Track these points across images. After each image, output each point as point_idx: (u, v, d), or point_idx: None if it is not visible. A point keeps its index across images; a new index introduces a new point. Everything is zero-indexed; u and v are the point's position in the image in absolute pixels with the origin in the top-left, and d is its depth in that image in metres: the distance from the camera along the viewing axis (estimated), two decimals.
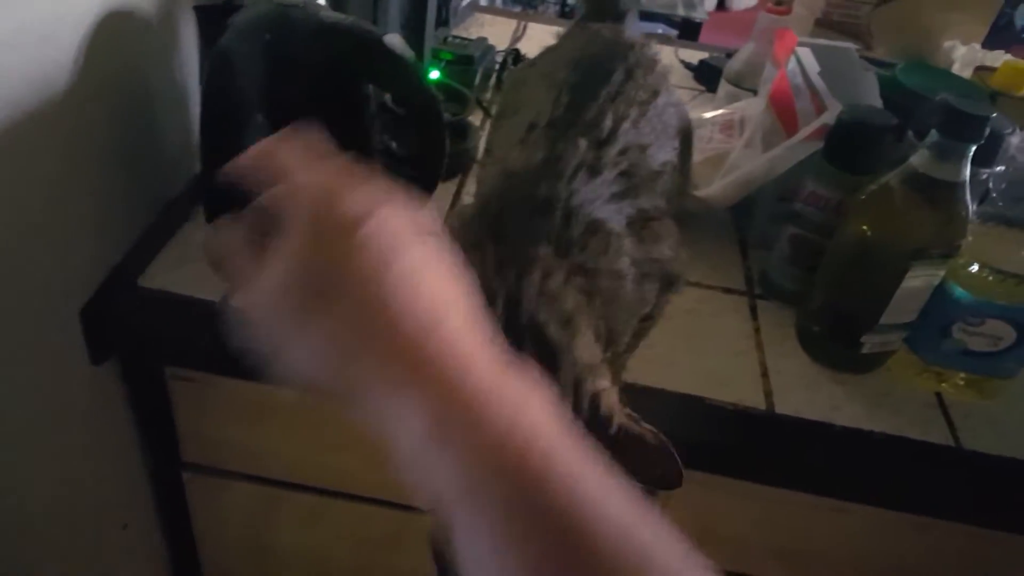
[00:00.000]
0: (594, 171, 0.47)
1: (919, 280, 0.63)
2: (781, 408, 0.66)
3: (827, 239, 0.69)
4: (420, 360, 0.31)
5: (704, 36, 2.30)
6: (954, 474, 0.64)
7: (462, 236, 0.45)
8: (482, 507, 0.29)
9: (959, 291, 0.64)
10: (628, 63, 0.56)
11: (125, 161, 0.70)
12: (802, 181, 0.71)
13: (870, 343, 0.67)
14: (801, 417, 0.65)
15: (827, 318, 0.70)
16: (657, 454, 0.40)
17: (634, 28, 0.67)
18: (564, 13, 2.53)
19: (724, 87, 1.00)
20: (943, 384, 0.69)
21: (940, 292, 0.65)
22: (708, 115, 0.92)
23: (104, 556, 0.80)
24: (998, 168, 0.65)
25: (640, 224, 0.48)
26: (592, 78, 0.54)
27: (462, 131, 0.89)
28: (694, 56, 1.24)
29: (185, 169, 0.80)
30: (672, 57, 1.25)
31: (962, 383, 0.69)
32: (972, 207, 0.61)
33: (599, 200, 0.46)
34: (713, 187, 0.78)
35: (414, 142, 0.69)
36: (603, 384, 0.41)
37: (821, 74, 0.78)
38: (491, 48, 1.09)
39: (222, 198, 0.35)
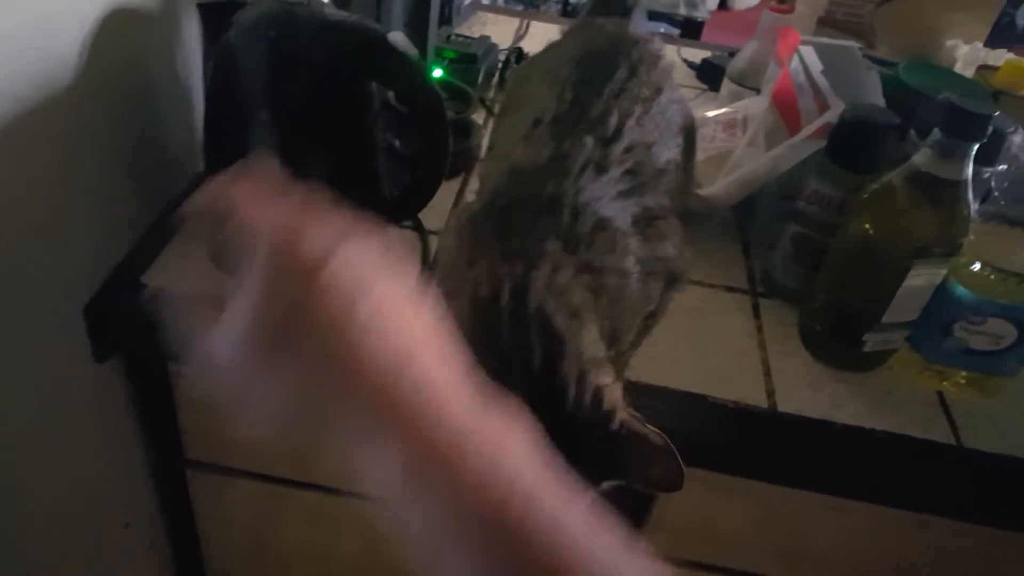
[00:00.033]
0: (600, 169, 0.47)
1: (921, 279, 0.63)
2: (783, 406, 0.66)
3: (830, 238, 0.69)
4: (393, 403, 0.29)
5: (706, 35, 2.29)
6: (955, 472, 0.65)
7: (468, 232, 0.45)
8: (462, 551, 0.28)
9: (961, 290, 0.64)
10: (631, 59, 0.56)
11: (128, 159, 0.70)
12: (805, 180, 0.71)
13: (872, 342, 0.68)
14: (803, 415, 0.65)
15: (829, 317, 0.70)
16: (659, 455, 0.40)
17: (641, 24, 0.67)
18: (566, 11, 2.53)
19: (727, 86, 1.00)
20: (944, 383, 0.69)
21: (942, 291, 0.65)
22: (711, 114, 0.92)
23: (105, 555, 0.81)
24: (1000, 167, 0.65)
25: (645, 222, 0.49)
26: (596, 74, 0.54)
27: (465, 129, 0.89)
28: (697, 55, 1.24)
29: (188, 167, 0.80)
30: (675, 56, 1.25)
31: (963, 382, 0.69)
32: (974, 206, 0.61)
33: (606, 198, 0.47)
34: (716, 186, 0.78)
35: (418, 140, 0.69)
36: (606, 379, 0.41)
37: (824, 73, 0.78)
38: (494, 46, 1.10)
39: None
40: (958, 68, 1.06)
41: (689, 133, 0.61)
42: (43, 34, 0.57)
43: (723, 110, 0.93)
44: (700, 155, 0.69)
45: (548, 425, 0.40)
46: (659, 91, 0.56)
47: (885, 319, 0.65)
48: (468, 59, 1.02)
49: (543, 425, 0.39)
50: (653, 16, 2.32)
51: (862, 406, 0.67)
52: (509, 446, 0.30)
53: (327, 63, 0.63)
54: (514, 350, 0.40)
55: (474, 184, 0.86)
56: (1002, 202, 0.63)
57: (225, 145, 0.69)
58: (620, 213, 0.47)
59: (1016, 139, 0.65)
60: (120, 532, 0.82)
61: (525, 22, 1.32)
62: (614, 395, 0.41)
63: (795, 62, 0.79)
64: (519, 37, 1.26)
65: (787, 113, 0.77)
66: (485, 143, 0.81)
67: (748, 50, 0.98)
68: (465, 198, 0.85)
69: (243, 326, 0.30)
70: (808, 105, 0.76)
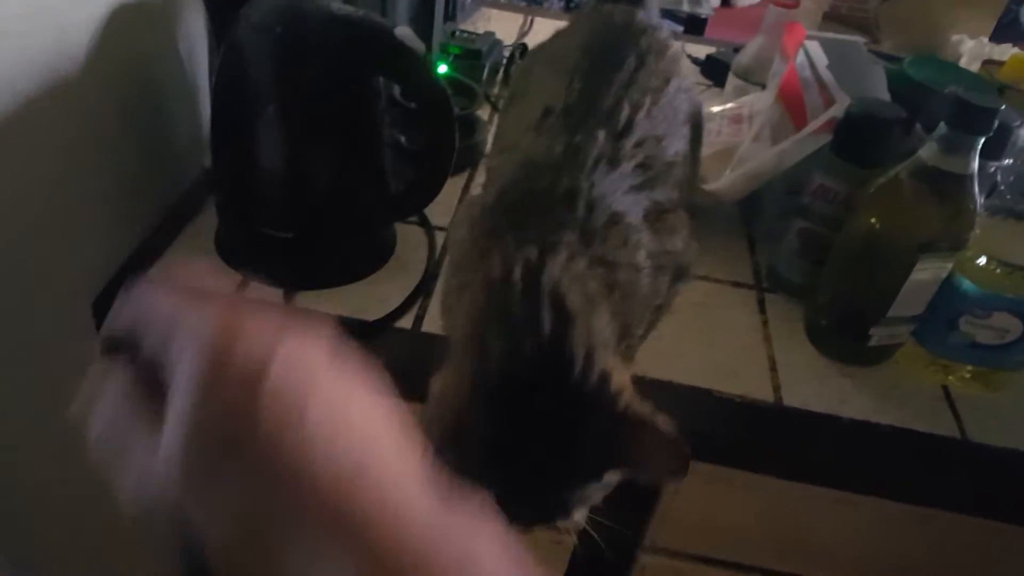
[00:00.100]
0: (613, 163, 0.47)
1: (927, 273, 0.63)
2: (789, 401, 0.66)
3: (835, 232, 0.69)
4: (349, 514, 0.26)
5: (709, 32, 2.29)
6: (960, 467, 0.65)
7: (480, 224, 0.45)
8: None
9: (967, 284, 0.64)
10: (640, 48, 0.56)
11: (135, 153, 0.71)
12: (811, 174, 0.71)
13: (878, 336, 0.68)
14: (809, 410, 0.65)
15: (835, 311, 0.70)
16: (665, 441, 0.40)
17: (653, 12, 0.67)
18: (569, 7, 2.53)
19: (732, 81, 1.00)
20: (950, 377, 0.69)
21: (948, 285, 0.65)
22: (716, 109, 0.92)
23: (106, 555, 0.81)
24: (1006, 161, 0.65)
25: (655, 216, 0.49)
26: (605, 64, 0.54)
27: (470, 126, 0.90)
28: (701, 51, 1.24)
29: (196, 161, 0.81)
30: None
31: (969, 376, 0.69)
32: (980, 200, 0.61)
33: (618, 192, 0.47)
34: (722, 181, 0.78)
35: (423, 136, 0.69)
36: (614, 363, 0.41)
37: (830, 67, 0.78)
38: (498, 42, 1.10)
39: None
40: (963, 63, 1.06)
41: (696, 122, 0.61)
42: (50, 28, 0.57)
43: (729, 105, 0.93)
44: (706, 150, 0.69)
45: (553, 402, 0.40)
46: (667, 81, 0.56)
47: (891, 313, 0.66)
48: (473, 55, 1.02)
49: (548, 402, 0.39)
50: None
51: (868, 400, 0.67)
52: (479, 552, 0.28)
53: (334, 57, 0.64)
54: (524, 322, 0.40)
55: (479, 179, 0.86)
56: (1008, 196, 0.63)
57: (232, 139, 0.69)
58: (632, 207, 0.47)
59: (1022, 133, 0.65)
60: (122, 532, 0.82)
61: (529, 18, 1.32)
62: (622, 379, 0.41)
63: (801, 57, 0.79)
64: (523, 33, 1.27)
65: (793, 108, 0.77)
66: (490, 139, 0.81)
67: (753, 46, 0.98)
68: (470, 194, 0.85)
69: (180, 443, 0.27)
70: (814, 100, 0.76)
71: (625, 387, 0.41)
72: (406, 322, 0.68)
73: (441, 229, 0.78)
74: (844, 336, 0.70)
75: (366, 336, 0.66)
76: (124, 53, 0.66)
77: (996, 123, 0.58)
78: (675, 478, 0.40)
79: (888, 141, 0.68)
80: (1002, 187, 0.64)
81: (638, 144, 0.50)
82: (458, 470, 0.30)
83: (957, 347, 0.67)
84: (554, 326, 0.39)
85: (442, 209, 0.76)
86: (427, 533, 0.27)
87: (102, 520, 0.78)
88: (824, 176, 0.70)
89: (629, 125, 0.50)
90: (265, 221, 0.69)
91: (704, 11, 2.36)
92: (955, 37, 1.10)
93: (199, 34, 0.78)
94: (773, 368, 0.69)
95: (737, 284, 0.78)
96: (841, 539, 0.74)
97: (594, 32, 0.59)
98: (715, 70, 1.17)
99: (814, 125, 0.73)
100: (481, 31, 1.09)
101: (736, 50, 1.06)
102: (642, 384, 0.44)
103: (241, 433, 0.26)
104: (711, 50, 1.24)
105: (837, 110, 0.71)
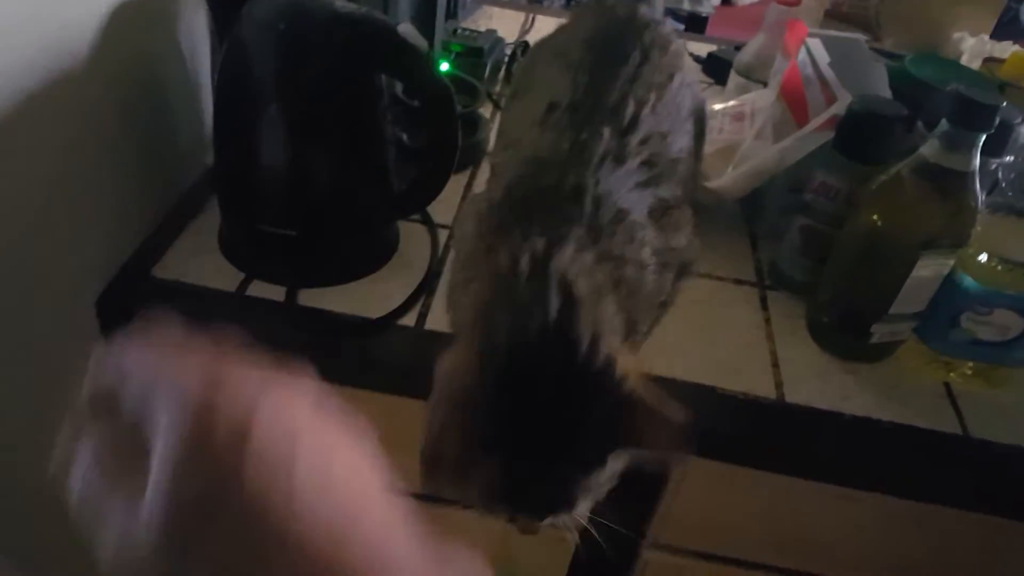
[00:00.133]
0: (619, 160, 0.48)
1: (928, 270, 0.63)
2: (791, 397, 0.66)
3: (837, 230, 0.69)
4: (340, 574, 0.26)
5: (710, 30, 2.29)
6: (962, 463, 0.65)
7: (487, 220, 0.45)
8: None
9: (968, 281, 0.64)
10: (644, 43, 0.56)
11: (138, 152, 0.71)
12: (812, 172, 0.71)
13: (879, 333, 0.68)
14: (811, 406, 0.66)
15: (837, 308, 0.70)
16: (669, 424, 0.40)
17: (656, 7, 0.67)
18: (570, 5, 2.53)
19: (734, 79, 1.00)
20: (952, 373, 0.70)
21: (949, 282, 0.65)
22: (718, 107, 0.92)
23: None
24: (1007, 158, 0.65)
25: (660, 213, 0.49)
26: (609, 58, 0.54)
27: (472, 123, 0.90)
28: (703, 49, 1.24)
29: (198, 160, 0.81)
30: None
31: (970, 372, 0.69)
32: (981, 197, 0.62)
33: (624, 189, 0.47)
34: (724, 179, 0.78)
35: (426, 134, 0.69)
36: (620, 349, 0.41)
37: (831, 65, 0.78)
38: (500, 40, 1.10)
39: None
40: (964, 60, 1.06)
41: (699, 116, 0.61)
42: (51, 27, 0.57)
43: (731, 103, 0.93)
44: (708, 148, 0.69)
45: (559, 384, 0.40)
46: (671, 76, 0.56)
47: (892, 310, 0.66)
48: (475, 53, 1.02)
49: (554, 384, 0.39)
50: None
51: (870, 397, 0.67)
52: None
53: (336, 55, 0.64)
54: (531, 305, 0.40)
55: (482, 177, 0.86)
56: (1009, 193, 0.63)
57: (234, 137, 0.69)
58: (637, 204, 0.48)
59: (1023, 130, 0.65)
60: None
61: (531, 16, 1.32)
62: (628, 363, 0.41)
63: (802, 54, 0.79)
64: (525, 31, 1.27)
65: (795, 105, 0.78)
66: (492, 137, 0.81)
67: (755, 43, 0.98)
68: (473, 191, 0.85)
69: (162, 504, 0.26)
70: (816, 97, 0.77)
71: (631, 372, 0.41)
72: (409, 320, 0.68)
73: (444, 227, 0.78)
74: (846, 333, 0.70)
75: (369, 334, 0.66)
76: (126, 51, 0.66)
77: (997, 120, 0.58)
78: (674, 464, 0.40)
79: (889, 138, 0.68)
80: (1003, 184, 0.64)
81: (643, 141, 0.50)
82: (463, 449, 0.29)
83: (959, 344, 0.67)
84: (561, 309, 0.39)
85: (445, 207, 0.76)
86: None
87: None
88: (826, 173, 0.70)
89: (634, 121, 0.50)
90: (268, 219, 0.69)
91: (705, 9, 2.36)
92: (956, 35, 1.10)
93: (201, 32, 0.78)
94: (775, 365, 0.69)
95: (739, 281, 0.78)
96: (843, 535, 0.74)
97: (597, 27, 0.59)
98: (717, 68, 1.17)
99: (816, 122, 0.73)
100: (483, 29, 1.09)
101: (738, 48, 1.06)
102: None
103: (226, 493, 0.26)
104: (712, 48, 1.24)
105: (839, 107, 0.71)
